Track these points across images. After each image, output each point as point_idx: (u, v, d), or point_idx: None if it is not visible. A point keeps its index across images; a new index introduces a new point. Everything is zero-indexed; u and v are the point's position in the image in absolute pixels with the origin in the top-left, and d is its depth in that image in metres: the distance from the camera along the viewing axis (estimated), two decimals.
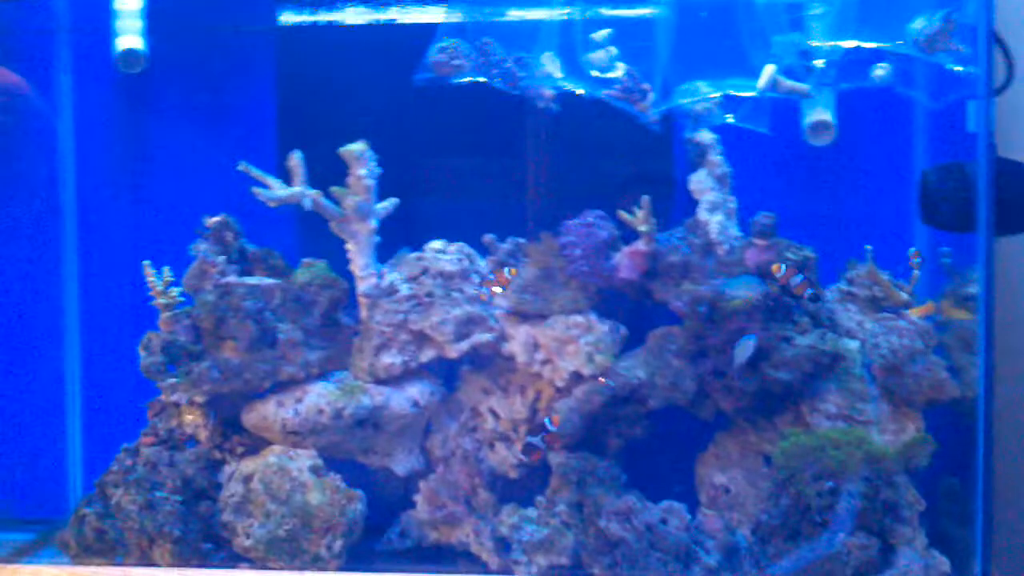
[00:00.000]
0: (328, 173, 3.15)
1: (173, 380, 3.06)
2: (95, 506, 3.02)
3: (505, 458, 3.17)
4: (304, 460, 3.03)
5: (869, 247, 3.09)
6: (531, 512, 3.06)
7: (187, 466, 3.02)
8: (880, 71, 3.14)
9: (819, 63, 3.12)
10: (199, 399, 3.06)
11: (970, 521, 2.82)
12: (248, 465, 3.06)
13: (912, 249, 3.07)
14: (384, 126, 3.31)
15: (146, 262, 3.11)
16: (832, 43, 3.09)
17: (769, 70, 3.04)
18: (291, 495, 2.98)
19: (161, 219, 3.48)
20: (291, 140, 3.24)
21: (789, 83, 3.07)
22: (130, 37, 3.37)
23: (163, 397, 3.09)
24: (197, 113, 3.54)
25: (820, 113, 3.22)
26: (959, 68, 2.98)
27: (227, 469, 3.08)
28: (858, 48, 3.07)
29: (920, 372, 2.96)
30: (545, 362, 3.12)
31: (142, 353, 3.07)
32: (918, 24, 2.99)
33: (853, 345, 3.01)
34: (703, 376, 3.04)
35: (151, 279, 3.09)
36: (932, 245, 3.16)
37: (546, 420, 3.00)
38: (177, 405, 3.09)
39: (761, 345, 2.94)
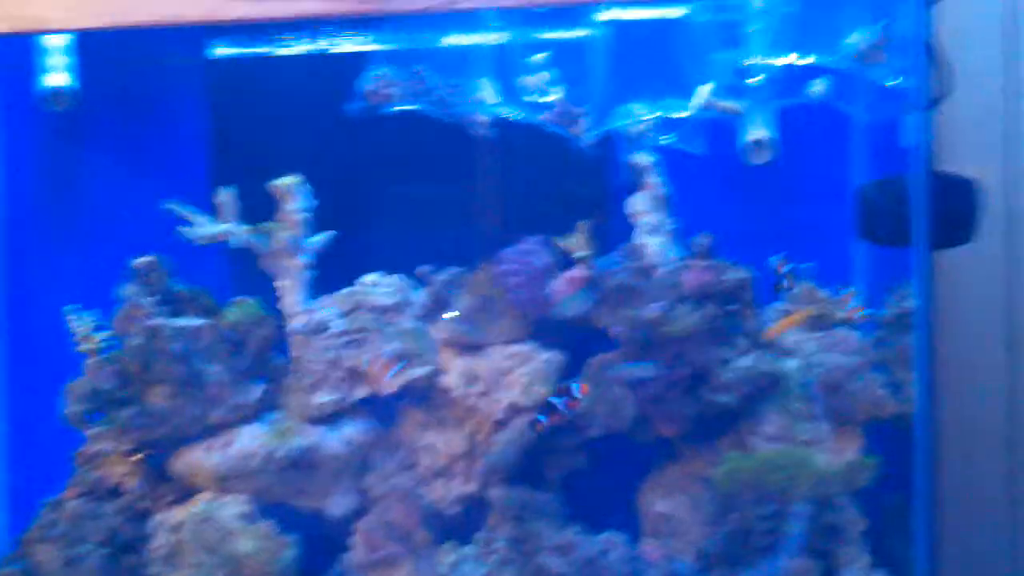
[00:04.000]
0: (265, 207, 3.10)
1: (98, 428, 2.99)
2: (17, 564, 2.94)
3: (444, 494, 3.11)
4: (233, 507, 2.96)
5: (806, 264, 3.06)
6: (470, 550, 3.02)
7: (113, 518, 2.96)
8: (817, 87, 3.11)
9: (756, 81, 3.09)
10: (126, 447, 2.98)
11: (914, 538, 2.79)
12: (177, 514, 2.99)
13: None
14: (318, 158, 3.26)
15: (70, 307, 3.04)
16: (768, 60, 3.06)
17: (705, 90, 3.01)
18: (220, 544, 2.91)
19: (91, 260, 3.41)
20: (224, 174, 3.21)
21: (725, 102, 3.05)
22: (57, 74, 3.30)
23: (88, 447, 3.01)
24: (128, 150, 3.47)
25: (758, 131, 3.19)
26: (896, 82, 2.95)
27: (155, 519, 3.00)
28: (794, 64, 3.04)
29: (859, 390, 2.95)
30: (483, 394, 3.07)
31: (66, 402, 3.00)
32: (854, 39, 2.96)
33: (792, 364, 2.98)
34: (643, 402, 3.00)
35: (75, 324, 3.02)
36: (872, 260, 3.14)
37: (574, 385, 2.93)
38: (104, 454, 3.01)
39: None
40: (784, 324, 3.01)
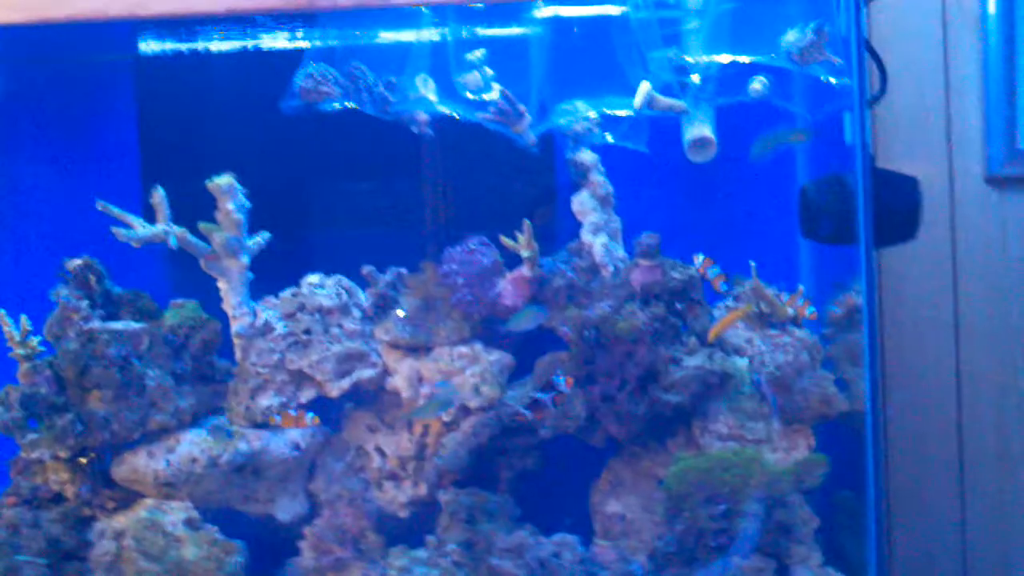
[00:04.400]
0: (197, 208, 3.02)
1: (34, 436, 2.89)
2: None
3: (394, 497, 3.07)
4: (178, 513, 2.89)
5: (753, 263, 3.07)
6: (421, 553, 2.97)
7: (53, 525, 2.86)
8: (756, 85, 3.11)
9: (695, 79, 3.09)
10: (63, 454, 2.89)
11: (865, 534, 2.81)
12: (120, 521, 2.90)
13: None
14: (253, 157, 3.20)
15: (1, 311, 2.94)
16: (708, 58, 3.06)
17: (644, 88, 3.00)
18: (165, 551, 2.84)
19: (19, 264, 3.32)
20: (156, 175, 3.12)
21: (666, 100, 3.04)
22: None
23: (24, 454, 2.91)
24: (56, 150, 3.39)
25: (699, 129, 3.19)
26: (834, 80, 2.97)
27: (98, 526, 2.92)
28: (733, 63, 3.04)
29: (808, 387, 2.96)
30: (431, 396, 3.03)
31: None
32: (791, 37, 2.98)
33: (742, 363, 2.99)
34: (592, 402, 2.99)
35: (8, 329, 2.92)
36: (816, 258, 3.16)
37: (557, 378, 2.88)
38: (41, 462, 2.92)
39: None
40: (723, 323, 3.01)
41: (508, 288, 3.07)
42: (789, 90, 3.14)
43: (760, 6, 3.03)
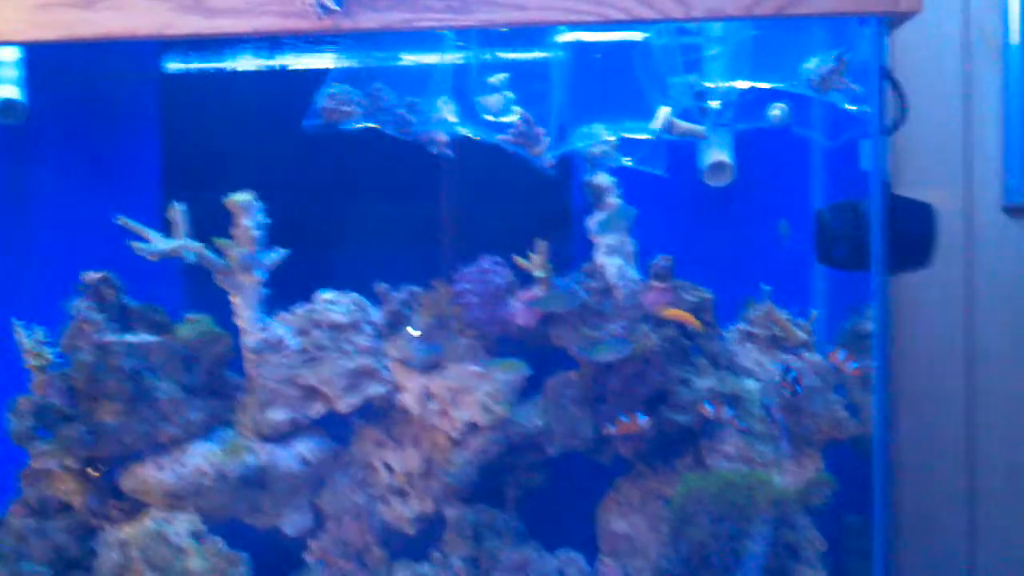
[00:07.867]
0: (216, 224, 3.06)
1: (44, 446, 2.92)
2: None
3: (400, 513, 3.07)
4: (184, 524, 2.90)
5: (767, 287, 3.07)
6: (425, 568, 2.98)
7: (59, 535, 2.89)
8: (776, 111, 3.12)
9: (715, 104, 3.10)
10: (72, 464, 2.92)
11: (872, 558, 2.79)
12: (125, 531, 2.92)
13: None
14: (273, 175, 3.23)
15: (17, 321, 2.97)
16: (727, 84, 3.07)
17: (664, 112, 3.01)
18: (170, 562, 2.86)
19: (38, 276, 3.35)
20: (177, 190, 3.15)
21: (685, 125, 3.05)
22: (7, 87, 3.25)
23: (33, 464, 2.94)
24: (78, 165, 3.43)
25: (717, 154, 3.21)
26: (853, 107, 2.97)
27: (103, 536, 2.93)
28: (753, 89, 3.05)
29: (819, 411, 2.96)
30: (440, 413, 3.04)
31: (11, 419, 2.93)
32: (811, 64, 2.98)
33: (752, 385, 2.99)
34: (601, 421, 3.00)
35: (22, 339, 2.96)
36: (831, 283, 3.15)
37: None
38: (49, 472, 2.94)
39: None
40: (676, 313, 3.01)
41: (521, 307, 3.08)
42: (808, 117, 3.15)
43: (781, 34, 3.02)
